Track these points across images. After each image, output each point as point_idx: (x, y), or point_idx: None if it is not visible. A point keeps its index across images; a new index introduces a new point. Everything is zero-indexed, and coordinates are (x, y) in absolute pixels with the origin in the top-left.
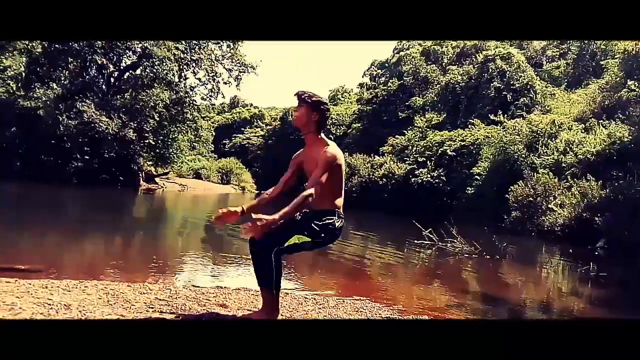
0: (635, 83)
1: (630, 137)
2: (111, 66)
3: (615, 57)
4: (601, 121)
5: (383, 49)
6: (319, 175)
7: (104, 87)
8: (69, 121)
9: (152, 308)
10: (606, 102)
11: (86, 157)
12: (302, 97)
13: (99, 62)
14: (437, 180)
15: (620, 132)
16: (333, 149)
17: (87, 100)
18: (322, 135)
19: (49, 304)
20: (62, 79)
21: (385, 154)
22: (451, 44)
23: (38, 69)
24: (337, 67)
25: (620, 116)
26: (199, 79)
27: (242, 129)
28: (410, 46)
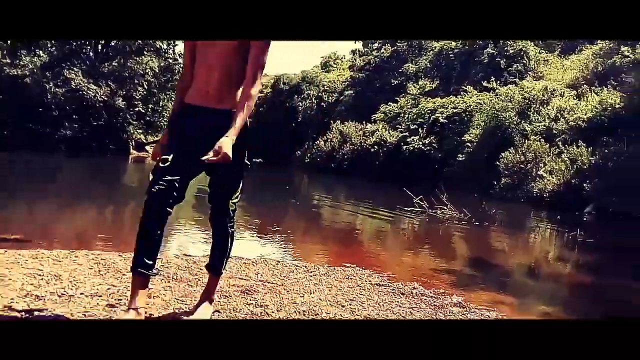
0: (629, 49)
1: (621, 104)
2: None
3: None
4: (593, 88)
5: None
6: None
7: (91, 54)
8: (57, 89)
9: None
10: (599, 69)
11: (75, 125)
12: None
13: None
14: (428, 148)
15: (612, 98)
16: None
17: (74, 68)
18: None
19: (39, 275)
20: (49, 45)
21: (378, 122)
22: None
23: None
24: None
25: (613, 83)
26: None
27: None
28: None
